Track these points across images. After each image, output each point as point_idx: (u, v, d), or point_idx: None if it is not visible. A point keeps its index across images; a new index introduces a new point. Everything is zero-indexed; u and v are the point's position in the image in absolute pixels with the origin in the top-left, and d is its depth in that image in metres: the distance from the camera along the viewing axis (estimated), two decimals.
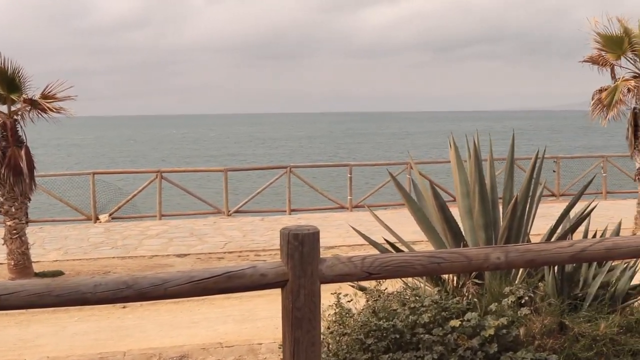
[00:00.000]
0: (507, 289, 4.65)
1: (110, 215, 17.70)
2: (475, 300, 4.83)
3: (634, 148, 13.88)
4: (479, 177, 5.48)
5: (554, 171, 20.98)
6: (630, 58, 13.81)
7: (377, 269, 3.13)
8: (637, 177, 14.07)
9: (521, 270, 5.44)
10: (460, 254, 3.23)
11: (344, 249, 12.38)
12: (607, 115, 13.48)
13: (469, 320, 4.25)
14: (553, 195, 20.98)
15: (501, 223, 5.57)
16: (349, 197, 19.33)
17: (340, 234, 13.74)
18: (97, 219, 17.52)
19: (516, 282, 5.29)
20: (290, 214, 18.37)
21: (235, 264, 3.33)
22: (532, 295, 4.92)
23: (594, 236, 5.34)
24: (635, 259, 5.34)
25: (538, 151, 5.70)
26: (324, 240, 12.07)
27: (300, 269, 3.00)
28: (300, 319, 3.03)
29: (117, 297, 2.90)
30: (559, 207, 6.18)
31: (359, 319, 4.64)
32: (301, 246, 3.00)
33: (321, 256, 3.15)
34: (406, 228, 7.28)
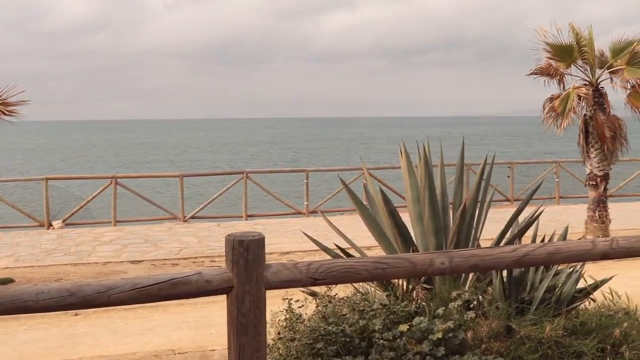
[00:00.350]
0: (454, 293, 4.70)
1: (63, 221, 17.47)
2: (424, 304, 4.88)
3: (585, 154, 14.15)
4: (428, 182, 5.53)
5: (508, 177, 21.28)
6: (581, 66, 14.07)
7: (322, 274, 3.15)
8: (587, 183, 14.33)
9: (471, 274, 5.52)
10: (405, 260, 3.27)
11: (300, 254, 12.39)
12: (562, 123, 13.69)
13: (417, 325, 4.30)
14: (507, 200, 21.28)
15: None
16: (305, 203, 19.39)
17: (297, 240, 13.75)
18: (50, 225, 17.28)
19: (466, 286, 5.37)
20: (246, 220, 18.35)
21: (179, 271, 3.32)
22: (479, 299, 4.99)
23: (542, 240, 5.43)
24: (582, 263, 5.47)
25: (487, 157, 5.79)
26: (279, 246, 12.14)
27: (245, 275, 3.01)
28: (245, 325, 3.04)
29: (61, 304, 2.88)
30: (513, 212, 6.26)
31: (308, 324, 4.65)
32: (246, 252, 3.01)
33: (273, 262, 3.17)
34: (361, 233, 7.32)
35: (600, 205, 14.12)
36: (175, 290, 2.99)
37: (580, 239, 4.02)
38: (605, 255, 3.69)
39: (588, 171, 14.16)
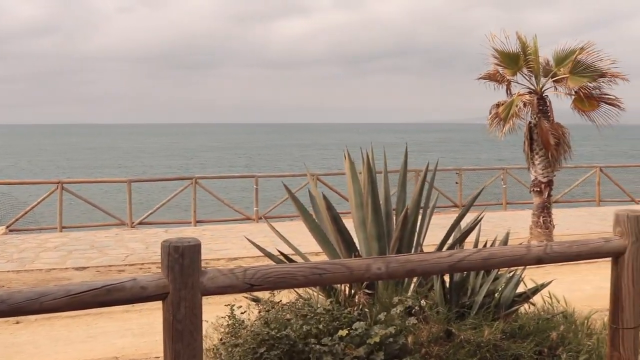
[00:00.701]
0: (396, 299, 4.75)
1: (7, 227, 17.13)
2: (366, 310, 4.92)
3: (530, 161, 14.40)
4: (371, 188, 5.58)
5: (456, 183, 21.54)
6: (526, 74, 14.34)
7: (259, 280, 3.15)
8: (532, 189, 14.59)
9: (415, 279, 5.58)
10: (342, 265, 3.29)
11: (248, 260, 12.35)
12: (504, 128, 13.93)
13: (356, 330, 4.33)
14: (456, 206, 21.52)
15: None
16: (255, 209, 19.36)
17: (245, 246, 13.65)
18: None
19: (409, 291, 5.43)
20: (195, 226, 18.24)
21: (114, 278, 3.28)
22: (421, 304, 5.05)
23: (485, 246, 5.51)
24: (523, 268, 5.57)
25: (428, 163, 5.87)
26: (227, 252, 12.05)
27: (180, 281, 2.99)
28: (181, 331, 3.02)
29: None
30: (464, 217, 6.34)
31: (252, 330, 4.65)
32: (181, 258, 2.99)
33: (210, 268, 3.16)
34: (311, 239, 7.35)
35: (544, 211, 14.38)
36: (110, 297, 2.95)
37: (520, 244, 4.09)
38: (540, 260, 3.76)
39: (533, 177, 14.41)
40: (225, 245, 14.34)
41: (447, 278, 5.36)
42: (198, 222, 18.58)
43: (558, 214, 18.51)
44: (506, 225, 17.20)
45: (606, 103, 13.95)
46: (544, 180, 14.18)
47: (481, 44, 14.47)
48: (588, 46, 13.92)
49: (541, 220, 14.32)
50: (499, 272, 5.45)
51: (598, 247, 3.93)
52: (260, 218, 18.84)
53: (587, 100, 13.74)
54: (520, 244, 4.17)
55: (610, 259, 4.01)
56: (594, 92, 13.79)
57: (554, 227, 14.49)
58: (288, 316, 4.81)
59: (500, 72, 14.37)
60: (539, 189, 14.29)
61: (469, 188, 23.57)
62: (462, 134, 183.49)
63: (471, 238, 6.01)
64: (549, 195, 14.46)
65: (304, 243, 6.27)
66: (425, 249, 5.96)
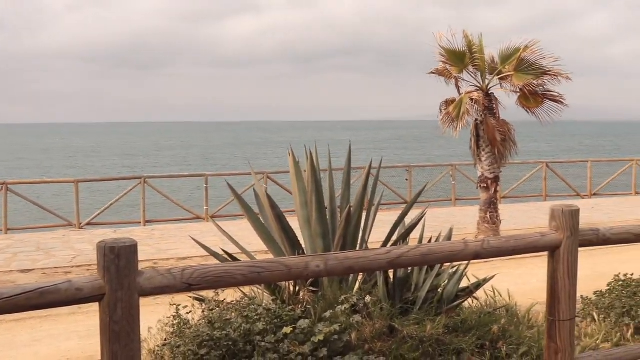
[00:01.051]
0: (342, 297, 4.78)
1: None
2: (310, 307, 4.94)
3: (477, 157, 14.60)
4: (316, 186, 5.60)
5: (406, 180, 21.73)
6: (472, 72, 14.53)
7: (197, 280, 3.14)
8: (479, 185, 14.79)
9: (360, 275, 5.62)
10: (281, 263, 3.30)
11: (197, 259, 12.27)
12: (457, 127, 14.10)
13: (301, 327, 4.34)
14: (406, 202, 21.69)
15: None
16: (205, 208, 19.26)
17: (195, 245, 13.59)
18: None
19: (354, 289, 5.47)
20: (145, 226, 18.06)
21: (48, 280, 3.25)
22: (366, 301, 5.08)
23: (429, 241, 5.57)
24: (467, 263, 5.65)
25: (371, 161, 5.90)
26: (177, 252, 11.94)
27: (117, 282, 2.97)
28: (118, 332, 2.99)
29: None
30: (411, 213, 6.40)
31: (194, 330, 4.64)
32: (117, 259, 2.97)
33: (147, 268, 3.14)
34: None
35: (491, 206, 14.59)
36: (44, 300, 2.91)
37: (464, 239, 4.14)
38: (477, 255, 3.83)
39: (479, 174, 14.62)
40: (175, 245, 14.24)
41: (392, 274, 5.41)
42: (148, 222, 18.41)
43: (506, 209, 18.84)
44: (455, 221, 17.44)
45: (550, 99, 14.23)
46: (491, 176, 14.39)
47: (426, 43, 14.64)
48: (532, 45, 14.17)
49: (488, 215, 14.53)
50: (442, 268, 5.52)
51: (534, 242, 4.01)
52: (212, 217, 18.74)
53: (531, 97, 14.00)
54: (464, 239, 4.21)
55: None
56: (538, 89, 14.05)
57: (500, 222, 14.72)
58: (231, 315, 4.81)
59: (448, 69, 14.54)
60: (485, 185, 14.49)
61: (420, 185, 23.80)
62: (415, 131, 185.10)
63: (416, 235, 6.07)
64: (496, 191, 14.69)
65: (255, 242, 6.26)
66: (371, 246, 6.01)
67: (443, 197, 23.53)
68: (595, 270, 9.89)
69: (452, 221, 17.35)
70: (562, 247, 4.03)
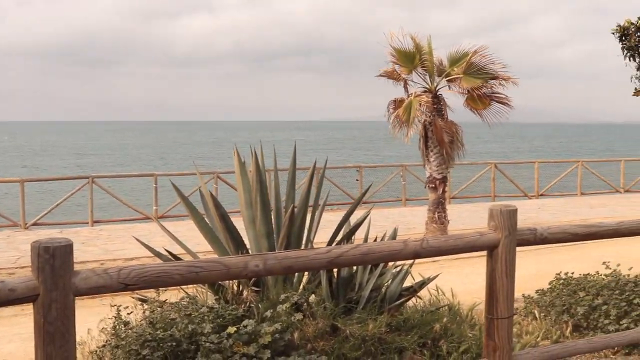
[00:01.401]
0: (283, 296, 4.79)
1: None
2: (254, 306, 4.94)
3: (425, 158, 14.75)
4: (260, 186, 5.60)
5: (357, 180, 21.83)
6: (421, 73, 14.69)
7: (134, 279, 3.12)
8: (427, 185, 14.95)
9: (305, 275, 5.64)
10: (219, 263, 3.29)
11: (145, 259, 12.12)
12: (408, 131, 14.23)
13: (245, 327, 4.34)
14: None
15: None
16: (154, 208, 19.09)
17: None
18: None
19: (299, 288, 5.48)
20: (92, 226, 17.82)
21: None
22: (308, 300, 5.10)
23: (375, 241, 5.60)
24: (412, 262, 5.71)
25: (316, 161, 5.92)
26: (124, 252, 11.78)
27: (51, 282, 2.93)
28: (52, 333, 2.96)
29: None
30: (360, 213, 6.41)
31: (135, 330, 4.60)
32: (52, 259, 2.93)
33: (84, 269, 3.11)
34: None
35: (439, 206, 14.77)
36: None
37: (402, 239, 4.18)
38: (417, 255, 3.88)
39: (428, 174, 14.78)
40: (123, 246, 14.09)
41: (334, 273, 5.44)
42: (96, 222, 18.16)
43: (455, 210, 19.06)
44: (405, 222, 17.62)
45: (497, 102, 14.46)
46: (439, 176, 14.56)
47: (378, 43, 14.75)
48: (481, 49, 14.42)
49: (436, 215, 14.70)
50: (385, 267, 5.57)
51: (473, 241, 4.07)
52: (161, 217, 18.57)
53: (479, 99, 14.21)
54: (407, 240, 4.24)
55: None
56: (485, 91, 14.27)
57: (448, 222, 14.91)
58: (173, 315, 4.77)
59: (397, 70, 14.67)
60: (433, 186, 14.66)
61: (372, 185, 23.93)
62: (370, 132, 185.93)
63: (361, 235, 6.10)
64: (444, 192, 14.87)
65: (203, 242, 6.22)
66: (318, 246, 6.02)
67: (394, 198, 23.69)
68: (540, 269, 10.08)
69: (402, 221, 17.52)
70: (500, 246, 4.11)
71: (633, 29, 7.42)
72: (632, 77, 7.56)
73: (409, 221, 17.61)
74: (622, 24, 7.48)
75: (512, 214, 4.15)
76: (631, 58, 7.53)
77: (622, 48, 7.53)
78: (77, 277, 3.02)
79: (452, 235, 4.08)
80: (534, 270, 10.91)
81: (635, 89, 7.52)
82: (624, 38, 7.51)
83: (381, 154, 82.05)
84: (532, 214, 19.45)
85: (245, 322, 4.40)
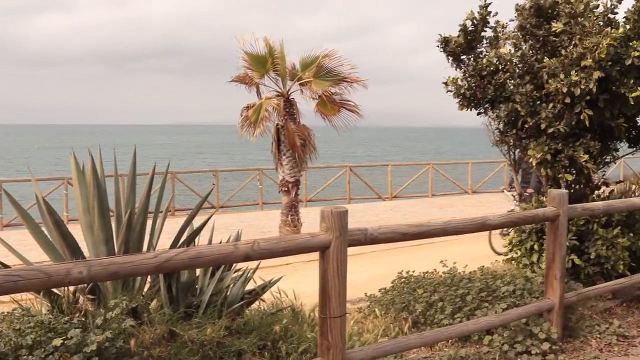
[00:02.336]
0: (113, 302, 4.69)
1: None
2: (90, 315, 4.81)
3: (278, 161, 14.88)
4: (98, 192, 5.47)
5: (213, 184, 21.71)
6: (273, 78, 14.82)
7: None
8: (280, 189, 15.09)
9: (149, 279, 5.55)
10: (40, 271, 3.20)
11: None
12: (255, 132, 14.30)
13: (71, 338, 4.21)
14: (213, 207, 21.69)
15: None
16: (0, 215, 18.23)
17: None
18: None
19: (142, 293, 5.39)
20: None
21: None
22: (147, 306, 5.03)
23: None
24: (257, 265, 5.75)
25: (155, 165, 5.85)
26: None
27: None
28: None
29: None
30: (215, 218, 6.35)
31: None
32: None
33: None
34: None
35: (292, 209, 14.95)
36: None
37: (233, 242, 4.20)
38: (248, 257, 3.91)
39: (281, 178, 14.92)
40: None
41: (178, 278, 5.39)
42: None
43: (310, 212, 19.31)
44: (260, 225, 17.69)
45: (346, 109, 14.81)
46: (292, 180, 14.73)
47: (235, 48, 14.76)
48: (332, 53, 14.75)
49: (289, 218, 14.87)
50: (225, 271, 5.59)
51: (305, 243, 4.16)
52: (6, 226, 17.72)
53: (329, 105, 14.50)
54: (234, 242, 4.26)
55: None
56: (335, 97, 14.58)
57: (301, 224, 15.10)
58: (3, 327, 4.58)
59: (250, 74, 14.73)
60: (286, 189, 14.82)
61: (229, 190, 23.89)
62: (231, 135, 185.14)
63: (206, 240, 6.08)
64: (297, 194, 15.05)
65: None
66: None
67: (251, 202, 23.74)
68: (389, 269, 10.38)
69: (257, 225, 17.59)
70: (332, 247, 4.21)
71: (452, 42, 7.82)
72: (451, 89, 7.95)
73: (264, 224, 17.69)
74: (444, 35, 7.87)
75: (343, 215, 4.27)
76: (457, 68, 7.92)
77: (446, 58, 7.92)
78: None
79: (283, 237, 4.14)
80: (383, 270, 11.22)
81: (458, 102, 7.90)
82: (445, 49, 7.90)
83: (247, 158, 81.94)
84: (384, 215, 20.03)
85: (71, 333, 4.26)
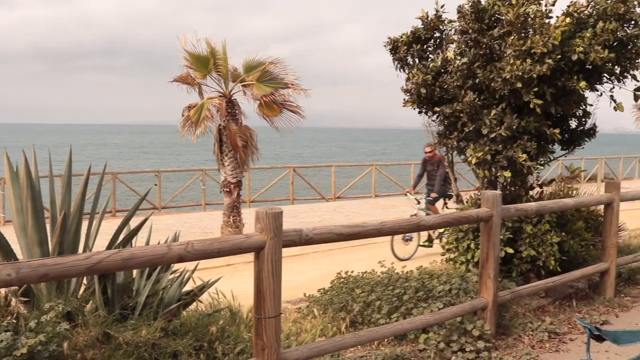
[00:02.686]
0: (47, 305, 4.64)
1: None
2: (22, 318, 4.75)
3: (220, 162, 14.85)
4: (31, 192, 5.39)
5: (155, 185, 21.53)
6: (216, 78, 14.79)
7: None
8: (222, 189, 15.06)
9: (85, 281, 5.49)
10: None
11: None
12: (196, 131, 14.24)
13: (0, 342, 4.15)
14: (155, 208, 21.50)
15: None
16: None
17: None
18: None
19: (77, 296, 5.33)
20: None
21: None
22: (82, 308, 4.98)
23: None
24: (196, 266, 5.74)
25: (90, 166, 5.79)
26: None
27: None
28: None
29: None
30: (157, 219, 6.32)
31: None
32: None
33: None
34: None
35: (234, 210, 14.92)
36: None
37: (165, 243, 4.20)
38: (181, 258, 3.91)
39: (222, 178, 14.89)
40: None
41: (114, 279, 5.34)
42: None
43: (253, 213, 19.28)
44: (203, 226, 17.62)
45: (288, 109, 14.87)
46: (234, 180, 14.71)
47: (178, 48, 14.68)
48: (277, 60, 14.82)
49: (231, 219, 14.84)
50: (162, 273, 5.57)
51: (239, 243, 4.18)
52: None
53: (271, 106, 14.54)
54: (167, 243, 4.25)
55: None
56: (277, 98, 14.63)
57: (244, 225, 15.09)
58: None
59: (192, 75, 14.66)
60: (228, 190, 14.79)
61: (172, 190, 23.70)
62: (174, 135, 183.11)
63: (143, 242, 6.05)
64: (239, 195, 15.04)
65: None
66: None
67: (194, 202, 23.60)
68: (331, 269, 10.47)
69: (199, 226, 17.51)
70: (267, 247, 4.24)
71: (400, 44, 7.93)
72: (402, 88, 8.07)
73: (206, 225, 17.62)
74: (392, 37, 7.98)
75: (278, 216, 4.31)
76: (401, 69, 8.03)
77: (393, 60, 8.03)
78: None
79: (217, 238, 4.16)
80: (325, 270, 11.29)
81: (404, 99, 8.03)
82: (394, 51, 8.00)
83: (193, 159, 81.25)
84: (327, 216, 20.14)
85: (0, 336, 4.20)
